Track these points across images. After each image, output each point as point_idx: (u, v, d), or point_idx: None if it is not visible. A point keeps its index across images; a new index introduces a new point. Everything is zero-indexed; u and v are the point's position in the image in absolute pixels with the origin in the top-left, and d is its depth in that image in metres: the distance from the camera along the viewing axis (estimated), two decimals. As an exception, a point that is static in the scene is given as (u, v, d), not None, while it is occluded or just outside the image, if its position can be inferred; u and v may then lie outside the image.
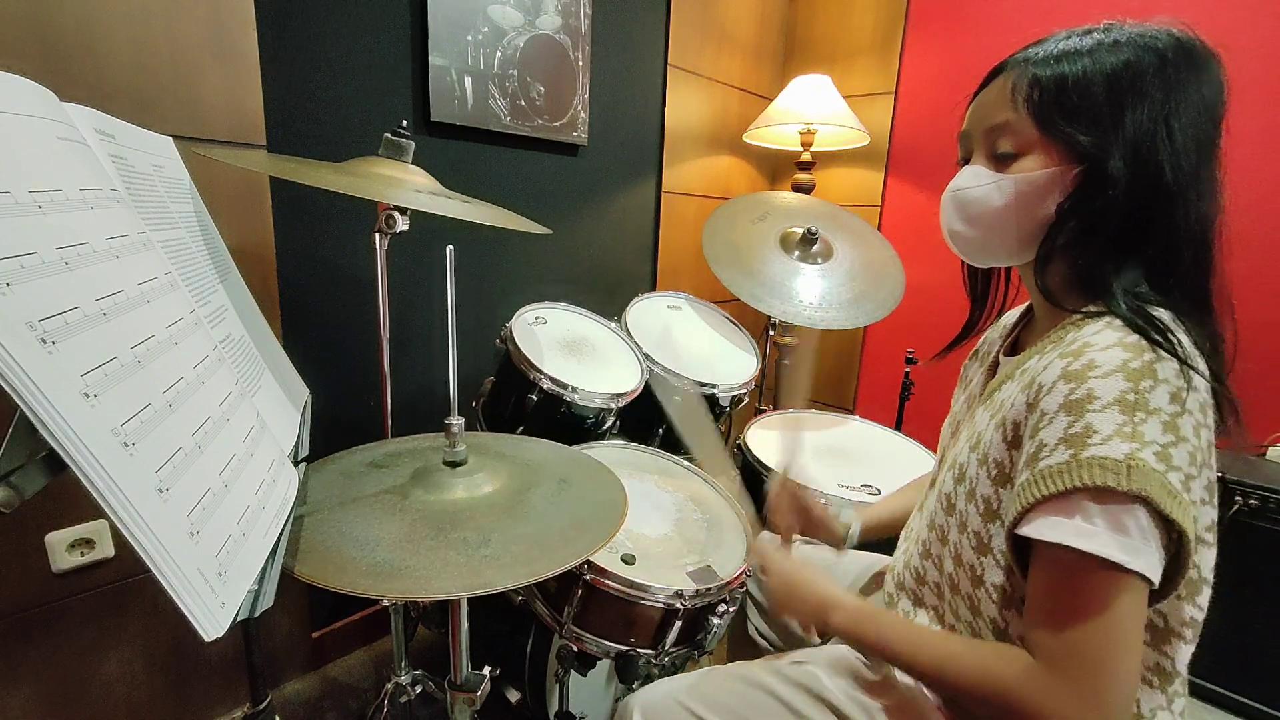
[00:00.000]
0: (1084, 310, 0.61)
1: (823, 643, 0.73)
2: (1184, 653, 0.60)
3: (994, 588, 0.64)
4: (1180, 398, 0.53)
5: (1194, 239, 0.60)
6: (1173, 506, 0.50)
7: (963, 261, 0.77)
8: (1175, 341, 0.54)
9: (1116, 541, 0.51)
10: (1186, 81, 0.58)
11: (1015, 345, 0.76)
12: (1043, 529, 0.54)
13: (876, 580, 0.93)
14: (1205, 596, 0.59)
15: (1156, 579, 0.52)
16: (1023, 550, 0.58)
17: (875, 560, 0.97)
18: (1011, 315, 0.82)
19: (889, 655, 0.66)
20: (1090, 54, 0.60)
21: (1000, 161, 0.65)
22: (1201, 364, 0.55)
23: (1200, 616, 0.59)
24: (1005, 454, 0.62)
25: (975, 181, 0.66)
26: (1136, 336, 0.54)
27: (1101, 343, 0.55)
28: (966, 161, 0.70)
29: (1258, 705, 1.41)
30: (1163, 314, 0.57)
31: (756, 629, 1.03)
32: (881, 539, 0.96)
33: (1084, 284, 0.63)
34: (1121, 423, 0.51)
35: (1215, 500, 0.57)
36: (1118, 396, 0.52)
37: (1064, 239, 0.63)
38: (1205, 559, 0.58)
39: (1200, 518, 0.55)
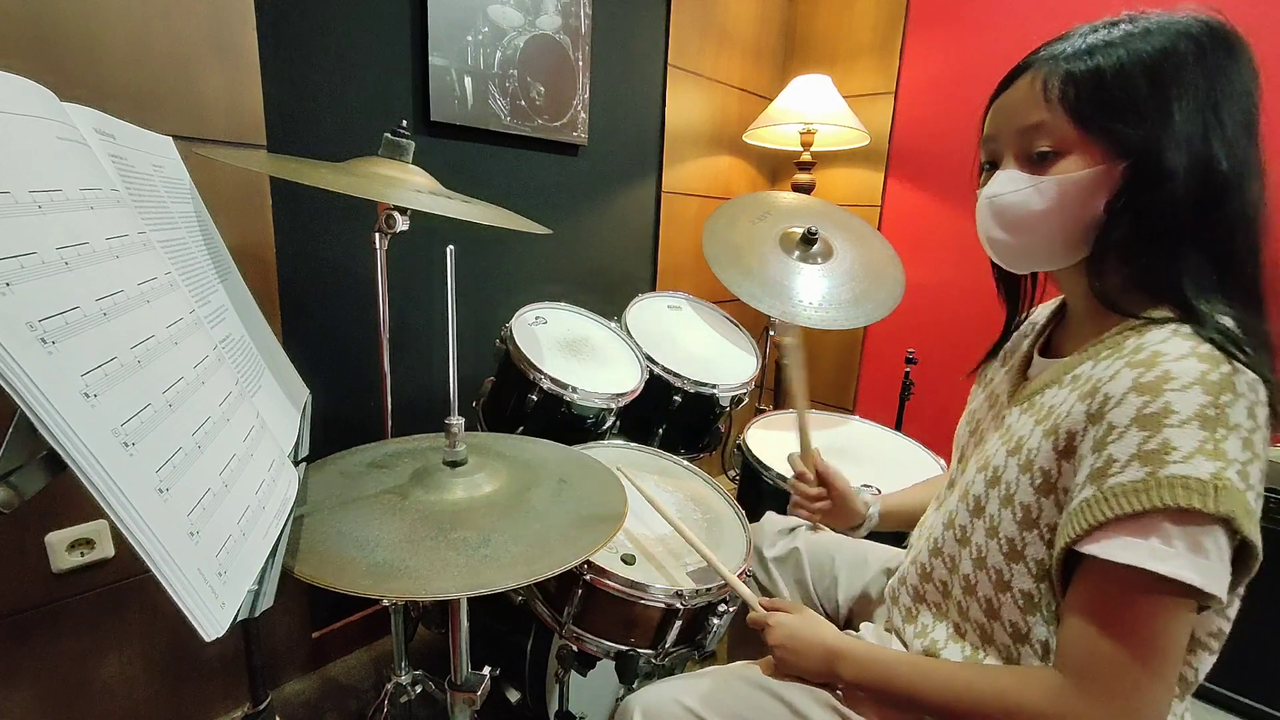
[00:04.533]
0: (1146, 315, 0.58)
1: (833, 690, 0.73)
2: (1207, 663, 0.60)
3: (1021, 594, 0.62)
4: (1255, 413, 0.51)
5: (1250, 229, 0.58)
6: (1251, 528, 0.49)
7: (994, 266, 0.75)
8: (1250, 353, 0.52)
9: (1194, 564, 0.49)
10: (1226, 66, 0.56)
11: (1048, 345, 0.74)
12: (1112, 549, 0.52)
13: (889, 575, 0.93)
14: (1235, 608, 0.58)
15: (1225, 600, 0.51)
16: (1069, 564, 0.57)
17: (892, 555, 0.97)
18: (1040, 313, 0.80)
19: (902, 698, 0.65)
20: (1123, 44, 0.57)
21: (1036, 163, 0.62)
22: (1269, 373, 0.53)
23: (1228, 628, 0.59)
24: (1054, 463, 0.59)
25: (1012, 186, 0.63)
26: (1209, 346, 0.52)
27: (1174, 352, 0.52)
28: (992, 165, 0.67)
29: (1260, 706, 1.40)
30: (1228, 320, 0.55)
31: (757, 629, 1.03)
32: (895, 529, 0.97)
33: (1146, 286, 0.59)
34: (1203, 439, 0.49)
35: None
36: (1198, 411, 0.49)
37: (1117, 238, 0.60)
38: None
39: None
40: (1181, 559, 0.49)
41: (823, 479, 0.97)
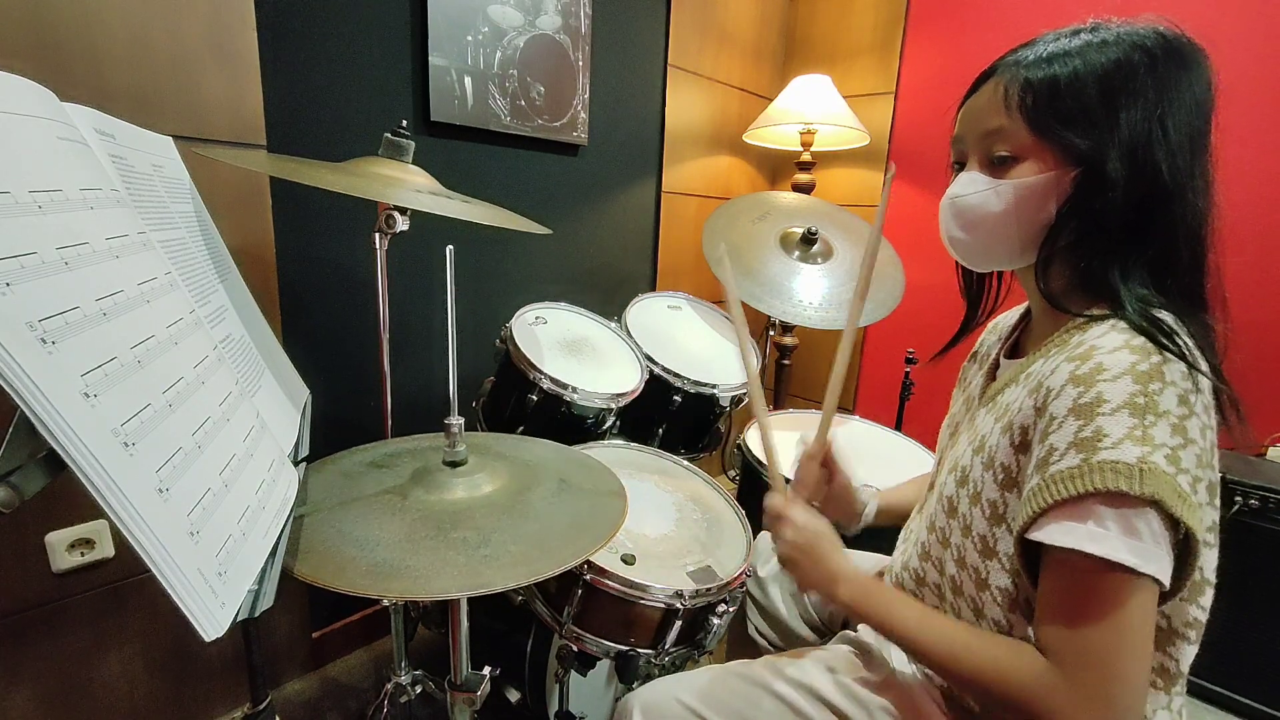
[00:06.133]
0: (1088, 313, 0.61)
1: (823, 641, 0.73)
2: (1188, 653, 0.60)
3: (999, 590, 0.63)
4: (1188, 400, 0.53)
5: (1191, 236, 0.59)
6: (1183, 509, 0.50)
7: (958, 264, 0.77)
8: (1181, 344, 0.54)
9: (1128, 545, 0.51)
10: (1177, 79, 0.58)
11: (1015, 347, 0.76)
12: (1055, 534, 0.54)
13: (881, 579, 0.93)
14: (1208, 597, 0.59)
15: (1167, 581, 0.52)
16: (1031, 554, 0.58)
17: (875, 561, 0.97)
18: (1009, 317, 0.82)
19: (895, 636, 0.66)
20: (1080, 54, 0.59)
21: (996, 167, 0.64)
22: (1205, 365, 0.55)
23: (1203, 617, 0.60)
24: (1013, 458, 0.61)
25: (972, 188, 0.66)
26: (1142, 339, 0.54)
27: (1108, 345, 0.55)
28: (961, 166, 0.69)
29: (1258, 705, 1.41)
30: (1166, 315, 0.57)
31: (756, 629, 1.03)
32: (892, 524, 0.96)
33: (1087, 286, 0.62)
34: (1132, 426, 0.51)
35: (1217, 501, 0.57)
36: (1127, 400, 0.52)
37: (1064, 242, 0.62)
38: (1208, 560, 0.58)
39: (1204, 519, 0.55)
40: (1116, 541, 0.51)
41: (828, 464, 0.94)
